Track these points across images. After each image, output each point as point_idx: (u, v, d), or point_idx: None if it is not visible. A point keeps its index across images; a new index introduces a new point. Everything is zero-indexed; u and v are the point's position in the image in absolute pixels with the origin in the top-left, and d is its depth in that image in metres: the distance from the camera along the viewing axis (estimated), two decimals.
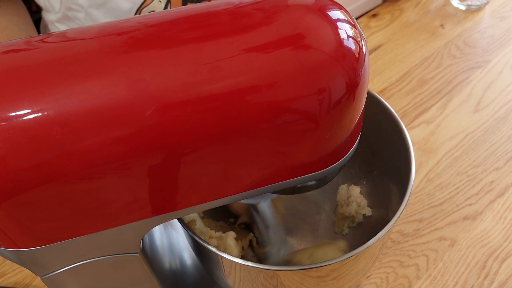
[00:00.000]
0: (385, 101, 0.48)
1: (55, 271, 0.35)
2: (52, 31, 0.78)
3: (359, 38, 0.30)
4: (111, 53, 0.28)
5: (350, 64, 0.29)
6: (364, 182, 0.56)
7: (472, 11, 0.91)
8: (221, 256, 0.38)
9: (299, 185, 0.34)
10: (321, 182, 0.36)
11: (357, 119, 0.33)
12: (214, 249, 0.38)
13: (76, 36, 0.29)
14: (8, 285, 0.57)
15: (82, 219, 0.30)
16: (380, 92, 0.78)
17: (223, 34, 0.28)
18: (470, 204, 0.62)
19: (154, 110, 0.27)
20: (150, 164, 0.28)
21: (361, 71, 0.30)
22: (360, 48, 0.30)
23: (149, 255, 0.39)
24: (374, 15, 0.92)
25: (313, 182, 0.35)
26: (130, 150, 0.27)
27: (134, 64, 0.27)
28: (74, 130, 0.26)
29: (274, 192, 0.35)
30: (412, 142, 0.45)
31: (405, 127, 0.46)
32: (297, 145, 0.31)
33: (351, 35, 0.29)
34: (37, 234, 0.30)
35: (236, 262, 0.38)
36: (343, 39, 0.29)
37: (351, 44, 0.29)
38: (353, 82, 0.29)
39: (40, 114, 0.26)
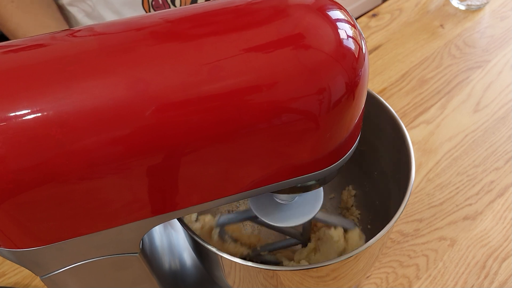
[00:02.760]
0: (385, 101, 0.48)
1: (55, 271, 0.35)
2: (64, 15, 0.78)
3: (359, 38, 0.30)
4: (111, 53, 0.28)
5: (350, 64, 0.29)
6: (365, 183, 0.56)
7: (472, 11, 0.91)
8: (221, 256, 0.38)
9: (299, 185, 0.34)
10: (321, 182, 0.36)
11: (357, 119, 0.33)
12: (214, 249, 0.38)
13: (76, 36, 0.29)
14: (8, 285, 0.57)
15: (82, 219, 0.30)
16: (380, 92, 0.78)
17: (223, 34, 0.28)
18: (470, 204, 0.62)
19: (154, 110, 0.27)
20: (150, 164, 0.28)
21: (360, 71, 0.30)
22: (360, 48, 0.30)
23: (149, 255, 0.39)
24: (374, 15, 0.92)
25: (313, 182, 0.35)
26: (130, 150, 0.27)
27: (134, 64, 0.27)
28: (73, 130, 0.26)
29: (274, 192, 0.35)
30: (412, 142, 0.45)
31: (405, 127, 0.46)
32: (297, 145, 0.31)
33: (351, 35, 0.29)
34: (37, 234, 0.30)
35: (236, 262, 0.37)
36: (343, 39, 0.29)
37: (350, 44, 0.29)
38: (353, 82, 0.29)
39: (39, 114, 0.26)
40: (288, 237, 0.51)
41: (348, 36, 0.29)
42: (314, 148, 0.31)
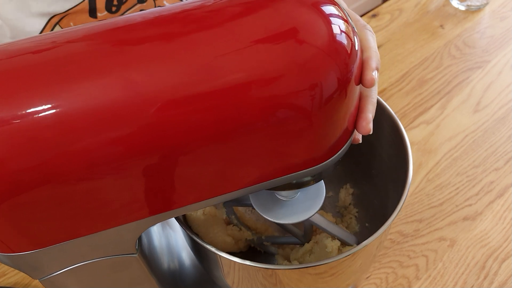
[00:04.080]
0: (385, 101, 0.48)
1: (52, 273, 0.34)
2: None
3: (352, 34, 0.30)
4: (108, 54, 0.28)
5: (343, 60, 0.29)
6: (362, 181, 0.56)
7: (472, 11, 0.91)
8: (220, 256, 0.38)
9: (295, 181, 0.34)
10: (317, 177, 0.36)
11: (350, 114, 0.32)
12: (213, 249, 0.38)
13: (73, 36, 0.29)
14: (8, 285, 0.58)
15: (80, 221, 0.30)
16: (380, 93, 0.77)
17: (215, 31, 0.28)
18: (470, 205, 0.62)
19: (151, 110, 0.27)
20: (148, 164, 0.28)
21: (353, 66, 0.30)
22: (353, 44, 0.30)
23: (147, 256, 0.39)
24: (374, 16, 0.92)
25: (309, 178, 0.35)
26: (128, 150, 0.27)
27: (129, 65, 0.27)
28: (71, 131, 0.26)
29: (271, 189, 0.34)
30: (412, 143, 0.45)
31: (405, 127, 0.46)
32: (291, 141, 0.30)
33: (344, 30, 0.29)
34: (34, 237, 0.30)
35: (235, 262, 0.38)
36: (336, 34, 0.29)
37: (343, 39, 0.29)
38: (345, 78, 0.29)
39: (36, 115, 0.26)
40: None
41: (341, 32, 0.29)
42: (308, 144, 0.31)
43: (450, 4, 0.93)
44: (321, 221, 0.44)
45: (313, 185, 0.37)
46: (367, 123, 0.34)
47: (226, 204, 0.49)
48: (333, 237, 0.46)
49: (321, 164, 0.33)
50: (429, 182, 0.65)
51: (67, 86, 0.26)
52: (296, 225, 0.48)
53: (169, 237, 0.51)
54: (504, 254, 0.57)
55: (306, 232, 0.48)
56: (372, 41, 0.36)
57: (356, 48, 0.30)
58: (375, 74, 0.32)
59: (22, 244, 0.31)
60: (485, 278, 0.55)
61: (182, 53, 0.27)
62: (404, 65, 0.82)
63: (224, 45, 0.27)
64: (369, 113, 0.34)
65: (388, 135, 0.48)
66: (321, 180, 0.37)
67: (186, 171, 0.30)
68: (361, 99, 0.35)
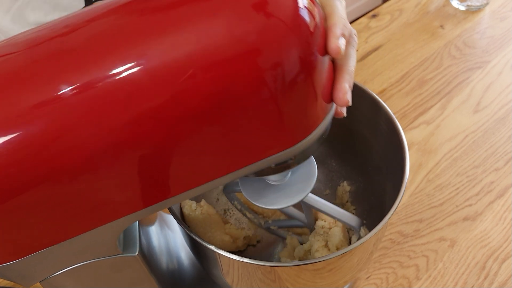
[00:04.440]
0: (385, 101, 0.48)
1: (44, 279, 0.34)
2: None
3: (316, 13, 0.29)
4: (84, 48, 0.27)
5: (303, 32, 0.28)
6: (359, 178, 0.56)
7: (472, 11, 0.91)
8: (219, 254, 0.38)
9: (273, 165, 0.32)
10: (300, 157, 0.33)
11: (323, 87, 0.31)
12: (212, 247, 0.38)
13: (58, 28, 0.29)
14: (8, 285, 0.57)
15: (67, 223, 0.30)
16: (380, 93, 0.77)
17: (169, 9, 0.27)
18: (470, 205, 0.62)
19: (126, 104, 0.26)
20: (138, 156, 0.28)
21: (314, 36, 0.29)
22: (316, 25, 0.29)
23: (147, 256, 0.39)
24: (374, 16, 0.92)
25: (291, 160, 0.33)
26: (113, 144, 0.27)
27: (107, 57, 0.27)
28: (63, 128, 0.26)
29: (257, 174, 0.33)
30: (412, 143, 0.45)
31: (405, 127, 0.46)
32: (260, 121, 0.29)
33: (307, 6, 0.28)
34: (20, 244, 0.30)
35: (234, 259, 0.38)
36: (300, 8, 0.28)
37: (306, 15, 0.28)
38: (307, 50, 0.28)
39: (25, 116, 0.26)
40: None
41: (304, 7, 0.28)
42: (279, 122, 0.30)
43: (450, 4, 0.93)
44: (318, 203, 0.42)
45: (304, 166, 0.36)
46: (344, 94, 0.31)
47: (226, 190, 0.49)
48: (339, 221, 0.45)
49: (299, 143, 0.31)
50: (429, 183, 0.65)
51: (47, 83, 0.26)
52: (297, 208, 0.47)
53: (167, 238, 0.51)
54: (504, 254, 0.57)
55: (306, 215, 0.47)
56: (338, 6, 0.33)
57: (319, 26, 0.29)
58: (341, 41, 0.30)
59: (5, 254, 0.30)
60: (485, 278, 0.55)
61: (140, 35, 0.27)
62: (404, 65, 0.82)
63: (183, 21, 0.26)
64: (345, 83, 0.32)
65: (384, 132, 0.48)
66: (306, 159, 0.35)
67: (168, 162, 0.29)
68: (336, 69, 0.32)
